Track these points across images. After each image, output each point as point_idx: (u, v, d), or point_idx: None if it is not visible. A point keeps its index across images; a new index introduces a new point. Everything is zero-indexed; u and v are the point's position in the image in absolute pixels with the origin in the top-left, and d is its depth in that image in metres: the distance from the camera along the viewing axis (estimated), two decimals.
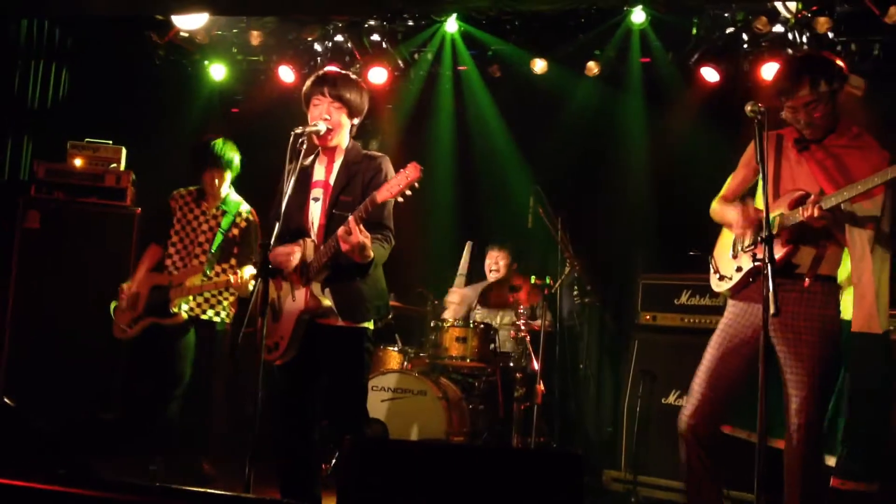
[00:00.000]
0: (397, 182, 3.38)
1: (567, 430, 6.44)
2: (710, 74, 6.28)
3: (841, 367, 3.68)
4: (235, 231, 5.15)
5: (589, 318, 6.51)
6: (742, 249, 3.77)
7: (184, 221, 5.18)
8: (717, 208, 3.97)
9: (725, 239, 3.96)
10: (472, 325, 5.98)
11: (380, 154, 3.85)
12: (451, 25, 6.59)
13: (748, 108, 3.38)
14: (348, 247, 3.44)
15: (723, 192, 4.00)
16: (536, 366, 5.67)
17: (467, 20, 6.59)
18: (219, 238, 5.11)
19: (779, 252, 3.54)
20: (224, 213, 5.17)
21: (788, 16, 5.75)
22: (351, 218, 3.43)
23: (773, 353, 3.65)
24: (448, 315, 6.44)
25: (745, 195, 3.95)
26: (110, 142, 6.30)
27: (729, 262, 3.84)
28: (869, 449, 3.75)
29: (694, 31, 6.22)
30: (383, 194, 3.42)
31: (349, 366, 3.75)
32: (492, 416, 6.03)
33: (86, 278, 5.88)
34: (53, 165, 6.14)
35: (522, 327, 5.90)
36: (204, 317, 5.10)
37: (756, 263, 3.59)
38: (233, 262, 5.11)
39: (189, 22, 6.46)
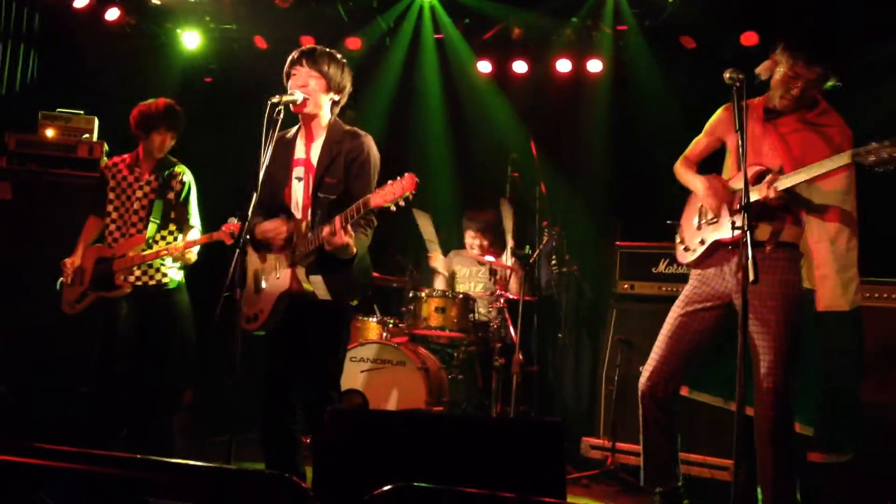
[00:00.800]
0: (392, 191, 3.38)
1: (546, 398, 6.49)
2: (687, 42, 6.26)
3: (803, 330, 3.69)
4: (171, 194, 5.00)
5: (567, 287, 6.51)
6: (705, 221, 3.78)
7: (118, 190, 5.03)
8: (682, 171, 3.99)
9: (691, 208, 3.97)
10: (451, 296, 5.98)
11: (362, 132, 3.83)
12: None
13: (727, 74, 3.37)
14: (331, 248, 3.49)
15: (687, 152, 4.03)
16: (515, 335, 5.68)
17: None
18: (158, 205, 4.95)
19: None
20: (159, 177, 5.02)
21: None
22: (337, 219, 3.45)
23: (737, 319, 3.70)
24: (439, 284, 6.48)
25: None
26: (82, 112, 6.20)
27: (694, 232, 3.87)
28: (842, 420, 3.80)
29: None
30: (377, 200, 3.41)
31: (327, 340, 3.77)
32: (471, 386, 6.05)
33: (59, 249, 5.80)
34: (25, 136, 6.04)
35: (501, 297, 5.91)
36: (151, 282, 4.95)
37: (723, 237, 3.64)
38: (172, 227, 5.00)
39: None
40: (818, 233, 3.61)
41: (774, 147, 3.63)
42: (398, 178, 3.37)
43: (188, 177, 5.08)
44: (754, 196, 3.47)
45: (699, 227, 3.83)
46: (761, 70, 3.68)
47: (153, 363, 5.04)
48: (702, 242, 3.77)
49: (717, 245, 3.72)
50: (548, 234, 5.85)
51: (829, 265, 3.60)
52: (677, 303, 3.87)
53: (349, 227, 3.46)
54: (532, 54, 6.87)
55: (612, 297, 5.71)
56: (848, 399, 3.83)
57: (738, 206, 3.55)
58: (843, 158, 3.29)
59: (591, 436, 5.55)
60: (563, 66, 6.80)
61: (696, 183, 3.83)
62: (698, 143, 4.01)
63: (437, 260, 6.58)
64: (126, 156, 5.12)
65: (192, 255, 4.92)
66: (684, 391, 4.32)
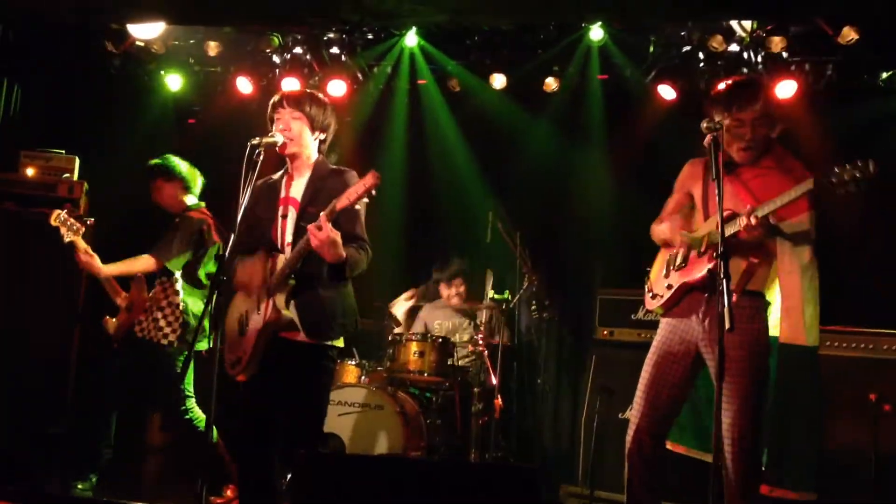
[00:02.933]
0: (355, 190, 3.39)
1: (524, 444, 6.45)
2: (666, 92, 6.36)
3: (767, 382, 3.70)
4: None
5: (547, 332, 6.52)
6: (674, 268, 3.81)
7: None
8: (654, 228, 4.03)
9: (660, 258, 4.01)
10: (430, 339, 5.96)
11: (346, 169, 3.83)
12: (411, 39, 6.60)
13: (704, 124, 3.41)
14: (318, 242, 3.40)
15: (661, 214, 4.07)
16: (494, 380, 5.67)
17: (426, 35, 6.61)
18: None
19: (706, 268, 3.60)
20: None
21: (743, 35, 5.85)
22: (322, 214, 3.40)
23: (704, 368, 3.72)
24: (400, 328, 6.47)
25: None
26: (63, 151, 6.20)
27: (661, 280, 3.90)
28: (802, 459, 3.79)
29: (651, 49, 6.29)
30: (342, 202, 3.41)
31: (308, 385, 3.70)
32: (449, 431, 6.00)
33: (37, 289, 5.77)
34: (4, 174, 6.03)
35: (481, 342, 5.90)
36: (153, 338, 5.03)
37: (689, 280, 3.67)
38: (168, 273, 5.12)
39: (145, 31, 6.40)
40: (789, 263, 3.64)
41: (737, 194, 3.68)
42: (360, 178, 3.41)
43: (181, 219, 5.16)
44: (733, 229, 3.51)
45: (667, 275, 3.86)
46: (706, 142, 3.74)
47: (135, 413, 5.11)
48: (669, 287, 3.79)
49: (685, 288, 3.73)
50: (528, 280, 5.86)
51: (797, 297, 3.62)
52: (649, 356, 3.85)
53: (333, 228, 3.41)
54: (513, 102, 6.93)
55: (592, 344, 5.71)
56: (809, 439, 3.82)
57: (711, 252, 3.59)
58: (808, 184, 3.33)
59: (569, 483, 5.51)
60: (547, 114, 6.87)
61: (663, 227, 3.88)
62: (670, 202, 4.05)
63: (396, 306, 6.55)
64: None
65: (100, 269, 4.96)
66: (668, 444, 4.31)
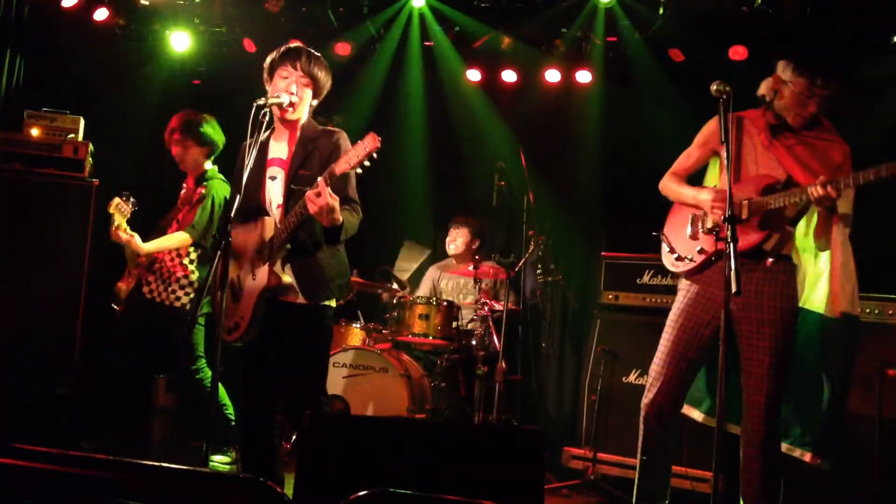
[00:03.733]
0: (356, 153, 3.34)
1: (529, 407, 6.48)
2: (675, 54, 6.29)
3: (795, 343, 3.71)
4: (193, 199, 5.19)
5: (552, 296, 6.52)
6: (703, 231, 3.77)
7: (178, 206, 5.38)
8: (672, 185, 3.96)
9: (679, 217, 3.95)
10: (435, 302, 5.96)
11: (336, 129, 3.79)
12: (418, 1, 6.53)
13: (714, 87, 3.38)
14: (317, 208, 3.36)
15: (674, 168, 4.00)
16: (498, 344, 5.67)
17: None
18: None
19: (753, 236, 3.60)
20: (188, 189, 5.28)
21: None
22: (320, 179, 3.37)
23: (732, 333, 3.69)
24: (412, 290, 6.49)
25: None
26: (68, 111, 6.16)
27: (687, 242, 3.84)
28: (827, 427, 3.80)
29: (661, 10, 6.21)
30: (342, 166, 3.37)
31: (310, 344, 3.71)
32: (453, 394, 6.03)
33: (43, 249, 5.77)
34: (9, 135, 5.99)
35: (485, 306, 5.90)
36: (164, 301, 5.11)
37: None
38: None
39: None
40: (841, 238, 3.65)
41: (779, 159, 3.64)
42: (360, 140, 3.34)
43: (208, 190, 5.15)
44: (772, 204, 3.51)
45: (694, 237, 3.81)
46: (764, 90, 3.69)
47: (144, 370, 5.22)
48: (701, 252, 3.75)
49: (718, 253, 3.68)
50: (534, 244, 5.85)
51: (851, 267, 3.66)
52: (672, 319, 3.82)
53: (331, 193, 3.37)
54: (521, 64, 6.87)
55: (597, 308, 5.71)
56: (836, 408, 3.84)
57: (755, 220, 3.58)
58: (891, 168, 3.25)
59: (572, 446, 5.54)
60: (553, 76, 6.80)
61: (697, 195, 3.79)
62: (689, 156, 3.98)
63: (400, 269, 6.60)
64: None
65: (139, 247, 4.98)
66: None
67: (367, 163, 3.34)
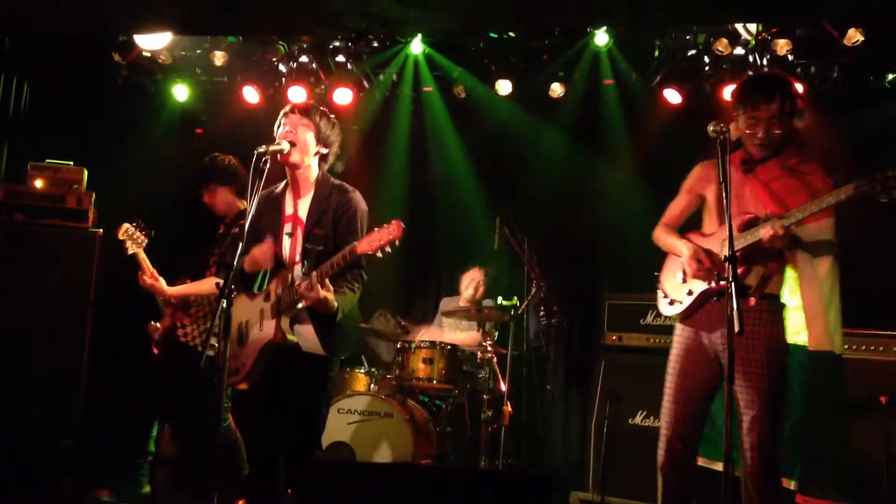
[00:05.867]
0: (379, 238, 3.40)
1: (535, 451, 6.44)
2: (672, 96, 6.35)
3: (787, 385, 3.69)
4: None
5: (556, 338, 6.50)
6: (692, 274, 3.79)
7: None
8: (662, 236, 3.98)
9: (672, 263, 3.97)
10: (438, 347, 5.95)
11: (350, 187, 3.85)
12: (416, 47, 6.61)
13: (711, 127, 3.41)
14: (310, 302, 3.49)
15: (665, 219, 4.02)
16: (503, 387, 5.65)
17: (432, 43, 6.61)
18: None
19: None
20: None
21: (749, 38, 5.84)
22: (314, 274, 3.45)
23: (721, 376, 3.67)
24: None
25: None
26: (71, 163, 6.22)
27: (677, 286, 3.85)
28: (833, 467, 3.77)
29: (656, 53, 6.29)
30: (363, 247, 3.43)
31: (311, 392, 3.71)
32: (459, 438, 5.99)
33: (46, 301, 5.78)
34: (13, 186, 6.04)
35: (489, 349, 5.89)
36: (191, 343, 4.88)
37: (712, 286, 3.63)
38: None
39: (152, 42, 6.42)
40: (811, 270, 3.62)
41: (757, 195, 3.66)
42: (385, 225, 3.38)
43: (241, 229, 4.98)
44: (754, 237, 3.50)
45: (684, 280, 3.83)
46: (733, 131, 3.73)
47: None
48: (689, 293, 3.77)
49: (706, 294, 3.71)
50: (536, 286, 5.85)
51: (820, 304, 3.61)
52: (672, 364, 3.82)
53: (327, 283, 3.46)
54: (519, 108, 6.93)
55: (601, 349, 5.70)
56: (835, 442, 3.81)
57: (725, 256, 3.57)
58: (847, 190, 3.29)
59: (580, 489, 5.49)
60: (552, 119, 6.86)
61: (679, 247, 3.82)
62: (677, 205, 4.01)
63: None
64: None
65: (164, 291, 4.80)
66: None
67: (388, 249, 3.40)
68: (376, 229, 3.43)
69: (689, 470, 3.78)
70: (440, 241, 7.30)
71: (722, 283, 3.56)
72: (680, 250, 3.81)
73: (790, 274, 3.69)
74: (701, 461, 4.11)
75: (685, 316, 3.82)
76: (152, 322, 5.03)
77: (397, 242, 3.38)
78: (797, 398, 3.79)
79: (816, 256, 3.61)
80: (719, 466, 4.26)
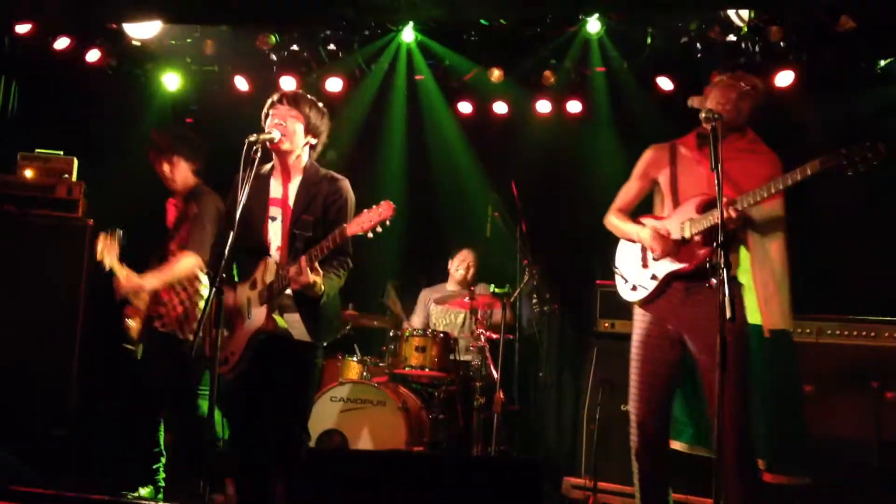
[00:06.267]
0: (369, 218, 3.40)
1: (527, 438, 6.45)
2: (664, 83, 6.34)
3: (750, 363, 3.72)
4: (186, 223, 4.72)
5: (548, 325, 6.51)
6: (654, 258, 3.79)
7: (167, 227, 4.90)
8: (616, 222, 4.00)
9: (627, 248, 3.98)
10: (431, 335, 5.96)
11: (340, 176, 3.85)
12: (408, 35, 6.59)
13: (703, 115, 3.42)
14: (298, 287, 3.49)
15: (617, 204, 4.04)
16: (496, 374, 5.66)
17: (423, 31, 6.59)
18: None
19: (699, 255, 3.62)
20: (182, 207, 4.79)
21: (741, 25, 5.83)
22: (303, 258, 3.45)
23: (686, 358, 3.72)
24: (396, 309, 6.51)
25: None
26: (61, 152, 6.19)
27: (638, 270, 3.86)
28: (796, 444, 3.80)
29: (648, 40, 6.28)
30: (353, 228, 3.43)
31: (298, 380, 3.74)
32: (452, 426, 6.00)
33: (37, 290, 5.77)
34: (3, 177, 6.03)
35: (482, 336, 5.90)
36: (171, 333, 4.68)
37: (678, 268, 3.66)
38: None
39: (142, 31, 6.40)
40: (762, 253, 3.66)
41: (710, 176, 3.67)
42: (374, 206, 3.39)
43: (203, 206, 4.69)
44: (710, 221, 3.51)
45: (645, 265, 3.82)
46: (694, 101, 3.74)
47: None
48: (654, 278, 3.77)
49: (670, 277, 3.72)
50: (528, 273, 5.85)
51: (774, 284, 3.64)
52: (636, 350, 3.83)
53: (316, 266, 3.47)
54: (511, 95, 6.92)
55: (593, 336, 5.70)
56: (798, 423, 3.84)
57: (698, 240, 3.60)
58: (813, 166, 3.32)
59: (572, 475, 5.51)
60: (544, 107, 6.86)
61: (636, 232, 3.85)
62: (629, 191, 4.02)
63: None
64: None
65: (142, 286, 4.56)
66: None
67: (378, 229, 3.40)
68: (366, 210, 3.44)
69: (662, 453, 3.80)
70: (432, 228, 7.29)
71: (689, 265, 3.61)
72: (639, 235, 3.83)
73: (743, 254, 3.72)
74: (686, 448, 4.13)
75: (647, 301, 3.82)
76: (128, 320, 4.79)
77: (388, 222, 3.38)
78: (756, 378, 3.79)
79: (767, 235, 3.66)
80: (692, 450, 4.29)
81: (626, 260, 3.96)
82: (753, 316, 3.72)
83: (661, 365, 3.74)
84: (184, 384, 4.69)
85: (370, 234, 3.42)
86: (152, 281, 4.56)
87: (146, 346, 4.75)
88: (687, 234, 3.66)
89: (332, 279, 3.65)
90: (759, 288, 3.66)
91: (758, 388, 3.75)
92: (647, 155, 3.97)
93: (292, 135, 3.73)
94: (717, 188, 3.25)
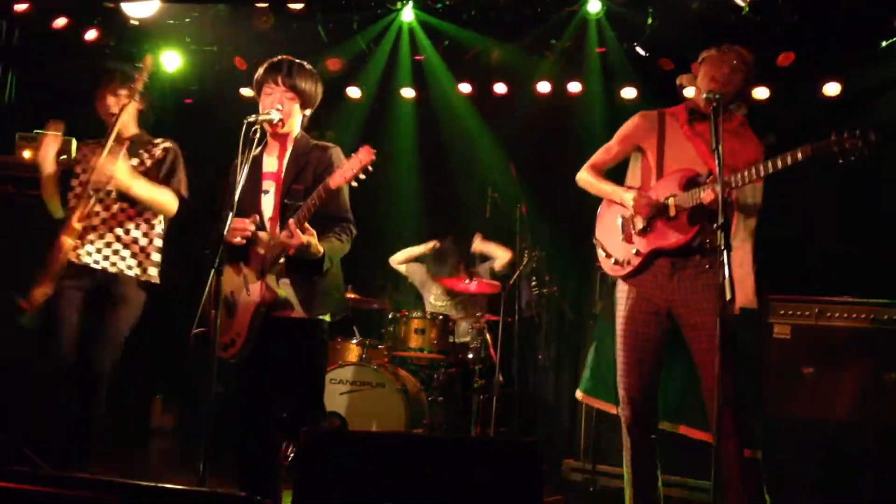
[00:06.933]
0: (350, 166, 3.34)
1: (526, 420, 6.46)
2: (664, 64, 6.31)
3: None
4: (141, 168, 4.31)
5: (547, 308, 6.51)
6: (636, 232, 3.77)
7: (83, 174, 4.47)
8: (593, 180, 3.97)
9: (608, 220, 3.94)
10: (430, 317, 5.95)
11: (330, 144, 3.79)
12: (408, 14, 6.55)
13: (704, 95, 3.42)
14: (293, 250, 3.43)
15: (593, 160, 4.02)
16: (495, 357, 5.67)
17: (424, 9, 6.55)
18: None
19: (685, 234, 3.61)
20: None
21: (742, 5, 5.79)
22: (291, 221, 3.38)
23: (674, 334, 3.73)
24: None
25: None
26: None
27: (621, 245, 3.83)
28: (757, 419, 3.83)
29: (649, 21, 6.24)
30: (336, 180, 3.37)
31: (306, 358, 3.69)
32: (451, 408, 6.02)
33: (36, 271, 5.75)
34: (1, 158, 6.00)
35: (481, 318, 5.90)
36: (111, 269, 4.24)
37: (664, 244, 3.65)
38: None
39: (140, 10, 6.35)
40: (743, 233, 3.67)
41: (698, 152, 3.69)
42: (354, 153, 3.34)
43: (172, 149, 4.41)
44: (695, 200, 3.53)
45: (628, 239, 3.81)
46: (682, 79, 3.73)
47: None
48: (637, 254, 3.76)
49: (657, 254, 3.71)
50: (528, 256, 5.85)
51: (749, 265, 3.68)
52: (621, 327, 3.82)
53: (307, 226, 3.40)
54: (512, 76, 6.89)
55: (592, 318, 5.70)
56: (753, 398, 3.86)
57: (683, 216, 3.60)
58: (805, 151, 3.29)
59: (571, 457, 5.52)
60: (544, 87, 6.83)
61: (620, 195, 3.82)
62: (608, 151, 3.99)
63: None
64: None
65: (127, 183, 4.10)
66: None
67: (362, 175, 3.34)
68: (344, 159, 3.39)
69: (652, 427, 3.81)
70: (440, 210, 7.30)
71: (674, 241, 3.61)
72: (622, 197, 3.80)
73: None
74: (665, 426, 4.16)
75: (631, 275, 3.81)
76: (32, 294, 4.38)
77: (370, 168, 3.32)
78: None
79: (748, 217, 3.67)
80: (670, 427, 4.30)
81: (608, 233, 3.93)
82: None
83: (648, 340, 3.74)
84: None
85: (354, 183, 3.37)
86: (140, 184, 4.16)
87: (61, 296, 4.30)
88: (672, 212, 3.64)
89: (334, 242, 3.59)
90: (735, 267, 3.66)
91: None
92: (635, 120, 3.94)
93: (289, 115, 3.69)
94: (717, 168, 3.23)
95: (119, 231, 4.30)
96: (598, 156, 4.01)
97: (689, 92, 4.11)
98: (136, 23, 6.63)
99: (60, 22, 6.54)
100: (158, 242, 4.39)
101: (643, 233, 3.73)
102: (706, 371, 3.57)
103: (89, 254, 4.29)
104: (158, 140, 4.48)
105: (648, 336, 3.74)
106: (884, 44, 5.88)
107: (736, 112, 3.77)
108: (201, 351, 3.44)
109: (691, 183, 3.61)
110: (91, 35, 6.67)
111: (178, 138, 5.14)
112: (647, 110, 3.94)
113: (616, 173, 4.01)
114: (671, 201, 3.64)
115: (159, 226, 4.41)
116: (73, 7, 6.48)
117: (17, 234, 5.82)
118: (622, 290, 3.87)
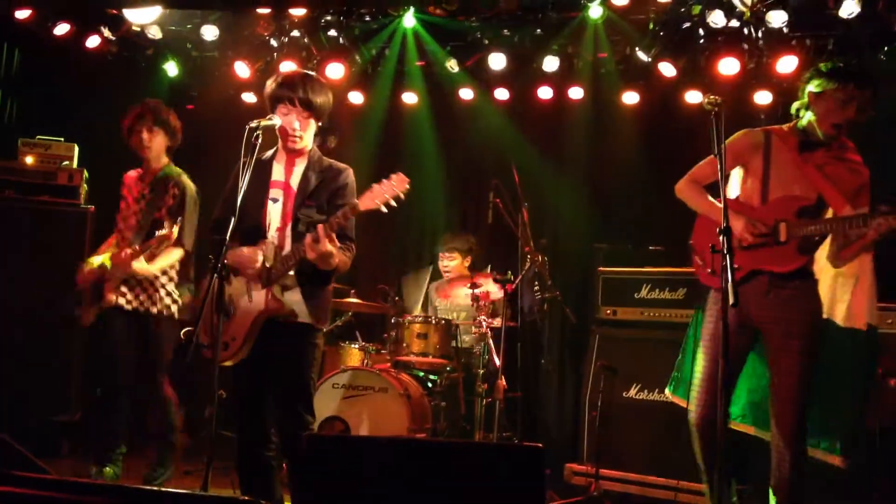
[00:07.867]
0: (382, 191, 3.37)
1: (529, 424, 6.45)
2: (666, 69, 6.31)
3: (819, 357, 3.79)
4: (163, 207, 4.83)
5: (550, 312, 6.51)
6: (740, 247, 3.76)
7: (124, 203, 4.99)
8: (694, 194, 3.95)
9: (709, 230, 3.88)
10: (433, 321, 5.95)
11: (344, 166, 3.82)
12: (409, 20, 6.55)
13: (705, 100, 3.41)
14: (315, 255, 3.44)
15: (694, 173, 3.99)
16: (498, 361, 5.66)
17: (424, 15, 6.55)
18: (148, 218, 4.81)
19: (793, 262, 3.70)
20: (155, 187, 4.90)
21: (744, 9, 5.79)
22: (320, 227, 3.41)
23: (759, 344, 3.85)
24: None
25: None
26: (62, 139, 6.18)
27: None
28: (852, 430, 3.89)
29: (651, 26, 6.24)
30: (366, 203, 3.40)
31: (300, 363, 3.71)
32: (454, 413, 6.01)
33: (38, 278, 5.76)
34: (4, 163, 6.02)
35: (483, 323, 5.89)
36: (140, 308, 4.83)
37: (768, 269, 3.74)
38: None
39: (142, 16, 6.36)
40: (867, 254, 3.79)
41: (810, 178, 3.71)
42: (384, 179, 3.35)
43: (182, 189, 4.88)
44: (812, 230, 3.63)
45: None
46: (799, 106, 3.79)
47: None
48: (739, 269, 3.75)
49: (758, 272, 3.76)
50: (530, 260, 5.84)
51: (870, 282, 3.86)
52: (708, 328, 3.88)
53: (333, 236, 3.44)
54: (513, 81, 6.89)
55: (595, 323, 5.70)
56: (857, 416, 3.98)
57: (795, 243, 3.67)
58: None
59: (574, 462, 5.51)
60: (545, 93, 6.83)
61: (730, 218, 3.82)
62: (711, 164, 3.91)
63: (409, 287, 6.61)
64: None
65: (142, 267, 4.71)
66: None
67: (393, 203, 3.36)
68: (375, 185, 3.40)
69: (724, 432, 3.81)
70: (439, 215, 7.30)
71: (786, 269, 3.70)
72: (732, 224, 3.78)
73: None
74: (748, 428, 4.18)
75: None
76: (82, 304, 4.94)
77: (403, 196, 3.34)
78: (840, 369, 3.96)
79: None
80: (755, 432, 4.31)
81: (707, 241, 3.91)
82: (837, 314, 3.85)
83: (734, 352, 3.72)
84: (151, 357, 4.85)
85: (384, 209, 3.39)
86: (153, 268, 4.76)
87: (106, 323, 4.85)
88: (783, 237, 3.68)
89: (343, 256, 3.63)
90: (865, 286, 3.81)
91: (843, 381, 3.90)
92: (741, 137, 3.90)
93: (306, 133, 3.74)
94: (720, 179, 3.24)
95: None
96: (701, 169, 3.98)
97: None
98: (138, 29, 6.63)
99: (62, 29, 6.54)
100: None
101: (747, 249, 3.75)
102: (778, 383, 3.72)
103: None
104: (176, 177, 4.92)
105: (735, 348, 3.71)
106: (885, 50, 5.88)
107: (844, 138, 3.79)
108: (187, 349, 3.47)
109: (803, 212, 3.67)
110: (93, 42, 6.67)
111: (180, 144, 5.17)
112: (750, 128, 3.92)
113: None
114: (782, 227, 3.68)
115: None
116: (75, 13, 6.48)
117: (18, 239, 5.84)
118: (713, 298, 3.90)
